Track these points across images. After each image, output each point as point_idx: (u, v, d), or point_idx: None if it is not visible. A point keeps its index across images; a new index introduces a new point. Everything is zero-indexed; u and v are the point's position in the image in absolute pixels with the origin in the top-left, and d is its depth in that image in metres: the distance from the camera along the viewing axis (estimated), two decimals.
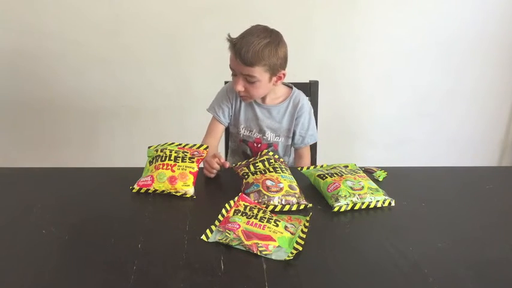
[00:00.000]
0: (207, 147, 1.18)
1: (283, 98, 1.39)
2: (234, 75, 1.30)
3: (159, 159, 1.12)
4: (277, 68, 1.26)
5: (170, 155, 1.12)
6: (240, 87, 1.28)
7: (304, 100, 1.39)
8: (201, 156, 1.15)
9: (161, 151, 1.15)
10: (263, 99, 1.38)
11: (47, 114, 2.17)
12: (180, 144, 1.19)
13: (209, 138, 1.40)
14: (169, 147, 1.17)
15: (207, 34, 2.03)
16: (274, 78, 1.29)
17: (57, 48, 2.05)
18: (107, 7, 1.99)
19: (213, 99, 1.45)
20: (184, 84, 2.15)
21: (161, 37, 2.06)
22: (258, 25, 1.27)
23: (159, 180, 1.07)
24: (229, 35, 1.25)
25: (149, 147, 1.20)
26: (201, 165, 1.15)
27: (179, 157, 1.12)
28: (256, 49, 1.20)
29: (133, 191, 1.08)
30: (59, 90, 2.13)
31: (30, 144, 2.23)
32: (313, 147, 1.54)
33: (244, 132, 1.41)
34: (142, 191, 1.08)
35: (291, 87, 1.42)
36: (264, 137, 1.39)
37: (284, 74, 1.30)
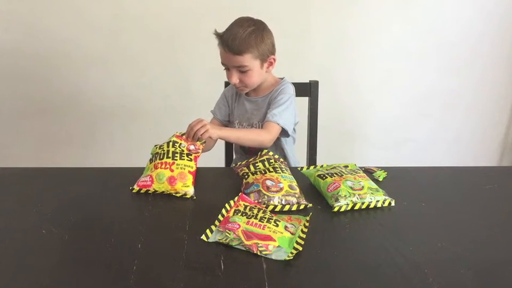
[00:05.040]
0: (204, 142, 1.18)
1: (271, 89, 1.39)
2: (227, 69, 1.32)
3: (158, 157, 1.12)
4: (266, 54, 1.29)
5: (168, 151, 1.12)
6: (235, 80, 1.30)
7: (287, 88, 1.36)
8: (198, 153, 1.15)
9: (160, 148, 1.15)
10: (252, 92, 1.40)
11: (47, 114, 2.17)
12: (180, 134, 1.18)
13: None
14: (166, 143, 1.16)
15: (206, 34, 2.01)
16: (266, 64, 1.32)
17: (57, 48, 2.05)
18: (107, 7, 1.99)
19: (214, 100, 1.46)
20: (184, 85, 2.15)
21: (161, 37, 2.06)
22: (242, 17, 1.31)
23: (159, 181, 1.07)
24: (215, 30, 1.29)
25: (155, 146, 1.19)
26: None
27: (177, 153, 1.12)
28: (243, 37, 1.24)
29: (133, 191, 1.08)
30: (58, 91, 2.13)
31: (30, 144, 2.23)
32: (313, 147, 1.54)
33: (238, 127, 1.42)
34: (142, 191, 1.08)
35: (283, 79, 1.41)
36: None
37: (274, 59, 1.33)
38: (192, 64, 2.11)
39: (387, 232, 0.93)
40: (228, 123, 1.48)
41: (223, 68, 1.33)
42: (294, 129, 1.42)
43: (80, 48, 2.06)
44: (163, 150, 1.13)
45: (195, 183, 1.10)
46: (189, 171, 1.09)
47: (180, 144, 1.14)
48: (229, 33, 1.26)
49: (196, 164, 1.13)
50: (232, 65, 1.28)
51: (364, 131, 2.32)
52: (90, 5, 1.98)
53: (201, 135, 1.14)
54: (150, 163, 1.13)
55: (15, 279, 0.77)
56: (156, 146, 1.19)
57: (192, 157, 1.13)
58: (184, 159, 1.11)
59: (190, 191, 1.07)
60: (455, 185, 1.20)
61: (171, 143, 1.14)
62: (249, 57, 1.26)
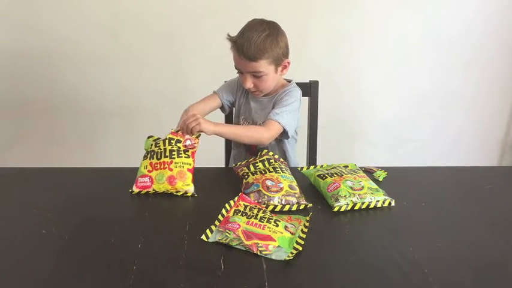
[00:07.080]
0: (199, 135, 1.17)
1: (278, 91, 1.37)
2: (240, 73, 1.30)
3: (155, 156, 1.11)
4: (280, 58, 1.27)
5: (165, 149, 1.12)
6: (249, 84, 1.28)
7: (295, 91, 1.35)
8: (194, 148, 1.15)
9: (156, 145, 1.14)
10: None
11: (47, 114, 2.17)
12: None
13: (200, 103, 1.36)
14: (162, 140, 1.15)
15: (206, 34, 2.03)
16: (280, 68, 1.30)
17: (56, 48, 2.04)
18: (107, 7, 1.99)
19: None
20: (184, 84, 2.15)
21: (161, 37, 2.06)
22: (254, 19, 1.28)
23: (159, 182, 1.07)
24: (228, 35, 1.26)
25: (148, 138, 1.19)
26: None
27: (174, 150, 1.12)
28: (258, 43, 1.21)
29: (133, 193, 1.08)
30: (58, 90, 2.13)
31: (30, 144, 2.23)
32: (313, 147, 1.54)
33: (244, 123, 1.41)
34: (142, 192, 1.08)
35: (290, 82, 1.40)
36: None
37: (289, 63, 1.31)
38: (192, 64, 2.11)
39: (387, 232, 0.93)
40: (231, 106, 1.45)
41: (237, 71, 1.31)
42: (295, 131, 1.41)
43: (80, 48, 2.05)
44: (160, 149, 1.13)
45: (194, 181, 1.10)
46: (188, 169, 1.09)
47: (176, 140, 1.14)
48: (243, 39, 1.22)
49: (194, 161, 1.13)
50: (247, 70, 1.26)
51: (364, 131, 2.32)
52: (90, 4, 1.98)
53: (192, 128, 1.13)
54: (144, 159, 1.12)
55: (15, 279, 0.77)
56: (150, 137, 1.18)
57: (189, 153, 1.13)
58: (182, 156, 1.11)
59: (190, 189, 1.08)
60: (455, 185, 1.20)
61: (167, 141, 1.14)
62: (264, 63, 1.24)
